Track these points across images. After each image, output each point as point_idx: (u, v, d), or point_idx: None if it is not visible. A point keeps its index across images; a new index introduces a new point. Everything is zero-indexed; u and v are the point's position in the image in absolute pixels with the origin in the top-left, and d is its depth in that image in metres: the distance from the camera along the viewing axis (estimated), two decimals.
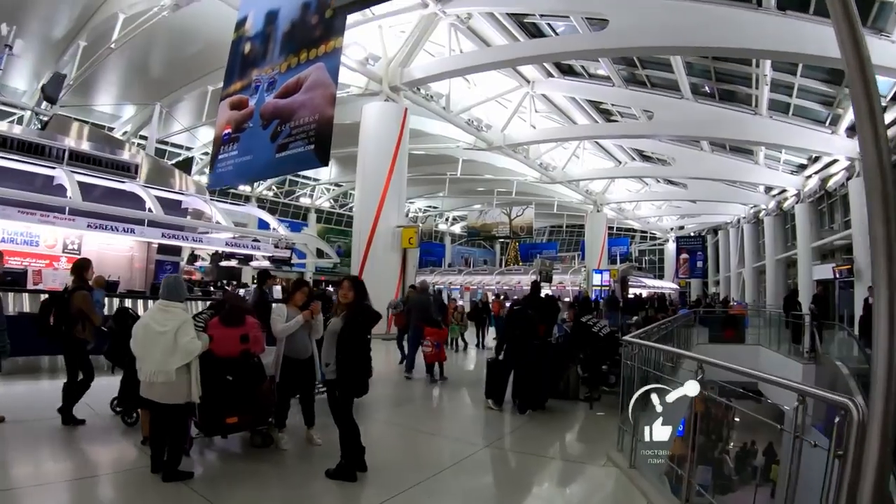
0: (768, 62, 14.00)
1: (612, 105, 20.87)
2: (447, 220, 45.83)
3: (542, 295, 10.07)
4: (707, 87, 16.90)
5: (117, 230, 10.66)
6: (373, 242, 14.70)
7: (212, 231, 13.45)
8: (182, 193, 13.32)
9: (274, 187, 34.65)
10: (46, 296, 6.05)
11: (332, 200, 37.81)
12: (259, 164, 7.33)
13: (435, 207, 42.10)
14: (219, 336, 4.35)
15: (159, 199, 11.76)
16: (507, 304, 13.78)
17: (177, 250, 13.63)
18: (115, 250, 12.10)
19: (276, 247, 14.19)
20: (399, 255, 15.01)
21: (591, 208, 31.88)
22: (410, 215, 37.23)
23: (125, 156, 12.26)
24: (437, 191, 33.86)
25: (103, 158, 11.59)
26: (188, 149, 26.63)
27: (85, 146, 11.50)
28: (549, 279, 28.54)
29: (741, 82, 16.12)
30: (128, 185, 11.54)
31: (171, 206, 12.52)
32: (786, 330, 13.12)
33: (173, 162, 24.40)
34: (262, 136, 7.28)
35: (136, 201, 11.52)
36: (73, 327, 5.37)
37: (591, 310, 10.57)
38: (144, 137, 25.17)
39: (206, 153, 21.30)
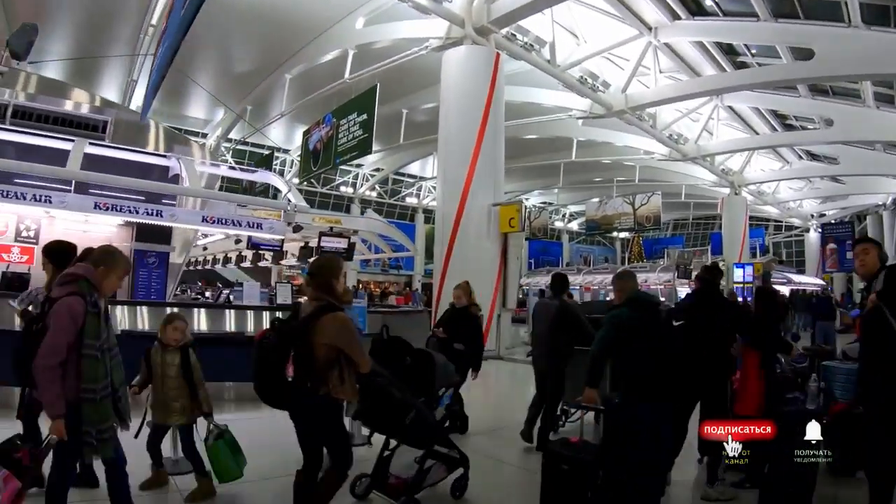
0: None
1: (753, 55, 17.98)
2: (563, 216, 43.57)
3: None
4: None
5: (7, 195, 7.55)
6: (460, 228, 11.69)
7: (183, 200, 10.16)
8: (163, 155, 10.29)
9: (377, 187, 34.05)
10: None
11: None
12: (169, 37, 5.65)
13: (550, 204, 40.07)
14: None
15: (135, 163, 9.43)
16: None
17: (164, 236, 10.14)
18: (92, 239, 7.15)
19: (329, 234, 11.45)
20: (498, 244, 11.89)
21: (728, 191, 27.99)
22: (525, 211, 35.59)
23: (86, 110, 9.80)
24: (551, 183, 31.79)
25: (58, 115, 9.39)
26: (282, 150, 27.25)
27: (35, 101, 9.36)
28: (687, 275, 24.97)
29: None
30: (75, 144, 8.76)
31: (154, 174, 9.99)
32: None
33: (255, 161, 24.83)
34: None
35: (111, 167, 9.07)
36: None
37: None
38: (230, 139, 25.70)
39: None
